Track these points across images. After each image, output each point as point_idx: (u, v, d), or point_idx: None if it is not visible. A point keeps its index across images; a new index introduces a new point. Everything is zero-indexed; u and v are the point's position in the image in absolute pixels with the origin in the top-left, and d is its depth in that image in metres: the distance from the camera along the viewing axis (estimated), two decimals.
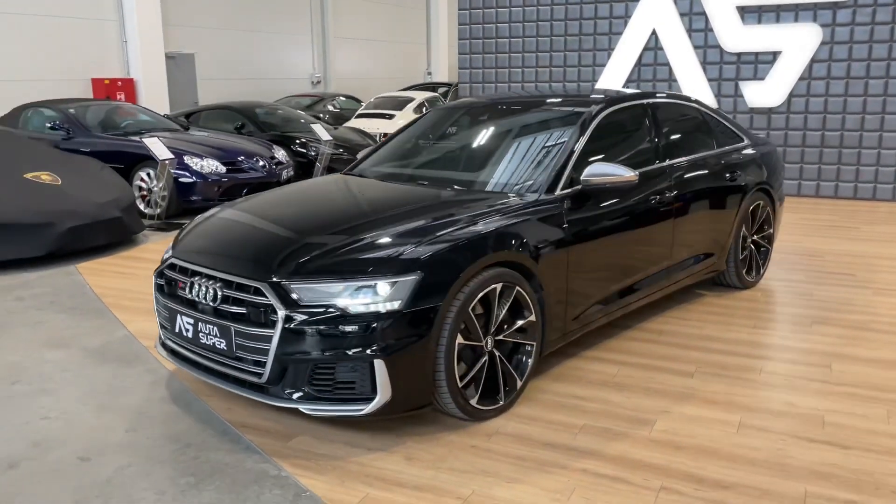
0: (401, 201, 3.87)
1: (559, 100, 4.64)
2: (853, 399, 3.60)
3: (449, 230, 3.32)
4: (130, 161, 8.67)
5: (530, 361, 3.57)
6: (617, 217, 4.11)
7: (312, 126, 9.74)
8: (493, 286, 3.30)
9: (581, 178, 3.88)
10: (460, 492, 2.82)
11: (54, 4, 13.40)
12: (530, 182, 3.91)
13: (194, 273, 3.37)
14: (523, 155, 4.22)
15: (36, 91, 12.34)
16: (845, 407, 3.51)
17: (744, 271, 5.35)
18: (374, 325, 2.97)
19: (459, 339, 3.18)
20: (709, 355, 4.18)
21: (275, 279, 3.07)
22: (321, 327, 2.98)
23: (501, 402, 3.44)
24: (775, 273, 5.90)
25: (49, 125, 9.27)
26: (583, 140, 4.11)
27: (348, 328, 2.97)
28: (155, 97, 14.67)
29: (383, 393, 3.01)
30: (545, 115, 4.53)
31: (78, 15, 13.79)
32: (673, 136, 4.89)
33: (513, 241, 3.45)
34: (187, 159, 8.43)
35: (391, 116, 14.72)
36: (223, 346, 3.21)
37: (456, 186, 4.07)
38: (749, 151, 5.46)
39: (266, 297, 3.05)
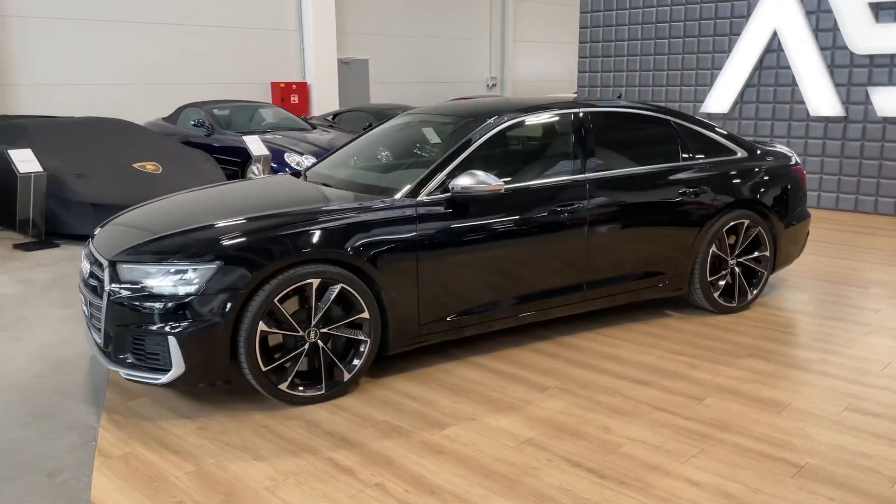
0: (277, 200, 4.18)
1: (478, 110, 4.66)
2: (684, 435, 3.35)
3: (272, 225, 3.63)
4: (246, 156, 9.81)
5: (363, 357, 3.76)
6: (498, 226, 4.11)
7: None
8: (309, 281, 3.57)
9: (449, 185, 3.98)
10: (204, 460, 3.15)
11: (245, 17, 15.26)
12: (397, 187, 4.07)
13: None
14: (412, 162, 4.36)
15: (225, 93, 14.25)
16: (654, 439, 3.29)
17: (716, 294, 4.96)
18: (173, 305, 3.39)
19: (263, 327, 3.49)
20: (587, 374, 4.04)
21: (111, 259, 3.61)
22: (133, 303, 3.46)
23: (322, 392, 3.69)
24: (781, 299, 5.35)
25: (192, 122, 10.76)
26: (469, 150, 4.17)
27: (152, 306, 3.42)
28: (326, 100, 16.13)
29: (177, 367, 3.42)
30: (454, 127, 4.58)
31: (264, 27, 15.57)
32: (608, 149, 4.72)
33: (339, 241, 3.66)
34: (286, 156, 9.37)
35: None
36: (88, 314, 3.82)
37: (357, 191, 4.28)
38: (740, 166, 5.04)
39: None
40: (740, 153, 5.16)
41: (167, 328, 3.40)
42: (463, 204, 4.03)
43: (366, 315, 3.73)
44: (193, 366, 3.43)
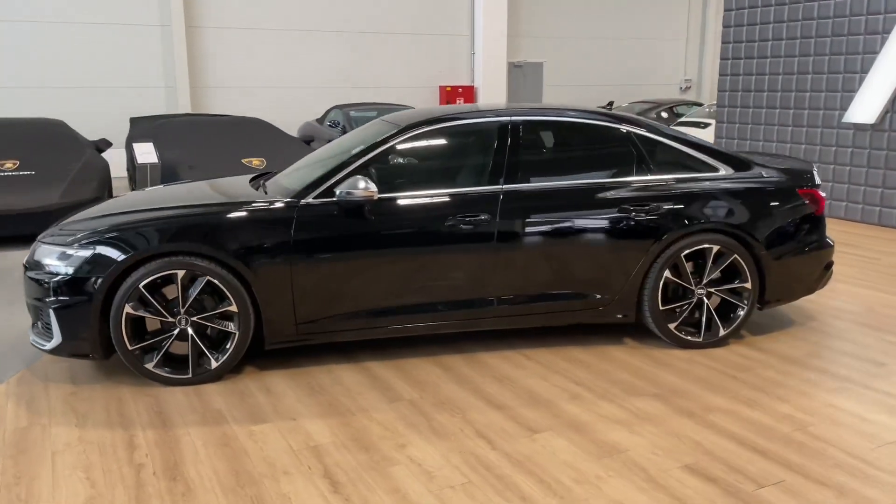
0: (194, 196, 4.44)
1: (409, 118, 4.55)
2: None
3: (145, 219, 3.95)
4: None
5: (232, 347, 3.98)
6: (385, 234, 4.09)
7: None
8: (174, 271, 3.86)
9: (336, 190, 4.05)
10: (41, 420, 3.59)
11: (420, 24, 15.99)
12: (293, 188, 4.19)
13: None
14: (328, 167, 4.36)
15: (395, 96, 15.15)
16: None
17: (673, 326, 4.44)
18: (56, 282, 3.87)
19: (129, 310, 3.84)
20: (455, 391, 3.88)
21: (38, 239, 4.19)
22: (35, 278, 4.00)
23: (188, 376, 3.97)
24: (778, 339, 4.63)
25: (329, 123, 11.60)
26: (367, 156, 4.19)
27: (44, 282, 3.93)
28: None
29: (56, 338, 3.89)
30: (374, 133, 4.55)
31: (438, 32, 16.20)
32: (540, 160, 4.42)
33: (205, 237, 3.89)
34: None
35: (706, 125, 13.86)
36: None
37: (280, 194, 4.36)
38: (714, 184, 4.46)
39: None
40: (724, 170, 4.55)
41: (48, 301, 3.89)
42: (351, 210, 4.06)
43: (234, 308, 3.94)
44: (67, 338, 3.89)
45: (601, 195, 4.35)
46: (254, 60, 14.52)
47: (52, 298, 3.87)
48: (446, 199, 4.21)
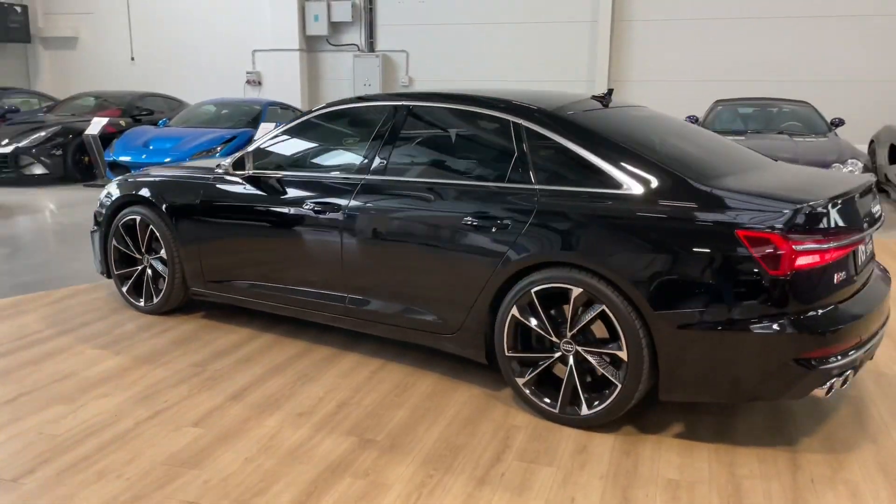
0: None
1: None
2: None
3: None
4: None
5: (165, 285, 4.67)
6: (258, 211, 4.19)
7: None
8: (132, 217, 4.73)
9: None
10: None
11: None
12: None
13: None
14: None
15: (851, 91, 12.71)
16: None
17: (521, 382, 3.38)
18: None
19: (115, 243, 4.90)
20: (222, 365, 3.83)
21: None
22: None
23: (142, 304, 4.84)
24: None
25: (687, 117, 10.55)
26: (272, 134, 4.34)
27: None
28: None
29: None
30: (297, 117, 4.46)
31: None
32: (412, 149, 3.79)
33: (146, 192, 4.64)
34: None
35: None
36: None
37: None
38: (599, 206, 3.19)
39: None
40: (631, 188, 3.16)
41: None
42: (256, 183, 4.27)
43: (163, 254, 4.63)
44: None
45: (453, 199, 3.56)
46: (674, 52, 13.87)
47: None
48: (318, 182, 4.06)
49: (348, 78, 15.53)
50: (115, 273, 4.92)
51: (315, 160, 4.30)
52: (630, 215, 3.11)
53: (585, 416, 3.22)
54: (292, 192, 4.10)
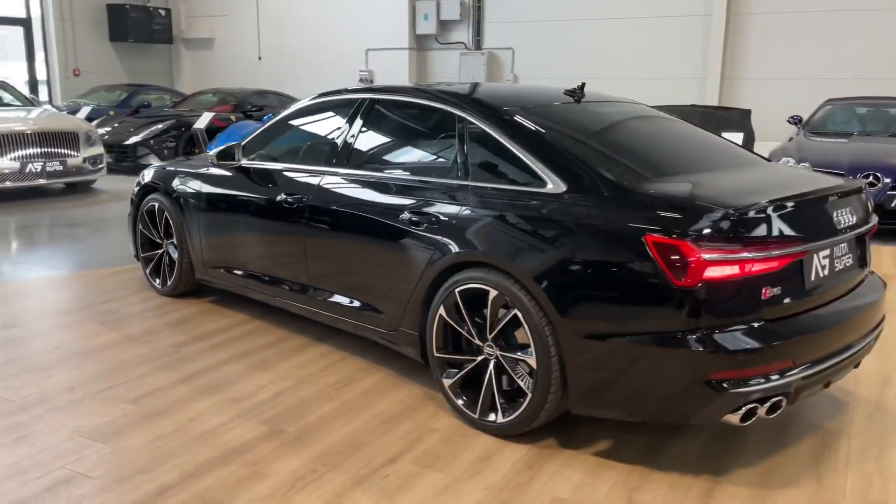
0: None
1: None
2: None
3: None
4: None
5: (175, 269, 4.93)
6: (243, 199, 4.32)
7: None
8: (152, 204, 5.03)
9: None
10: None
11: None
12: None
13: None
14: None
15: None
16: None
17: (447, 384, 3.27)
18: None
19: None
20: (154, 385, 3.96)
21: None
22: None
23: (160, 287, 5.13)
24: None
25: (789, 119, 9.73)
26: (262, 127, 4.46)
27: None
28: None
29: None
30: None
31: None
32: (373, 142, 3.74)
33: (161, 180, 4.92)
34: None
35: None
36: None
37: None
38: (518, 204, 3.03)
39: None
40: (553, 186, 2.97)
41: None
42: (247, 173, 4.42)
43: (174, 240, 4.89)
44: None
45: (397, 194, 3.51)
46: (797, 48, 12.81)
47: None
48: (280, 173, 4.17)
49: (454, 76, 15.62)
50: (142, 256, 5.25)
51: (290, 153, 4.37)
52: (541, 215, 2.93)
53: (500, 424, 3.08)
54: (268, 184, 4.20)
